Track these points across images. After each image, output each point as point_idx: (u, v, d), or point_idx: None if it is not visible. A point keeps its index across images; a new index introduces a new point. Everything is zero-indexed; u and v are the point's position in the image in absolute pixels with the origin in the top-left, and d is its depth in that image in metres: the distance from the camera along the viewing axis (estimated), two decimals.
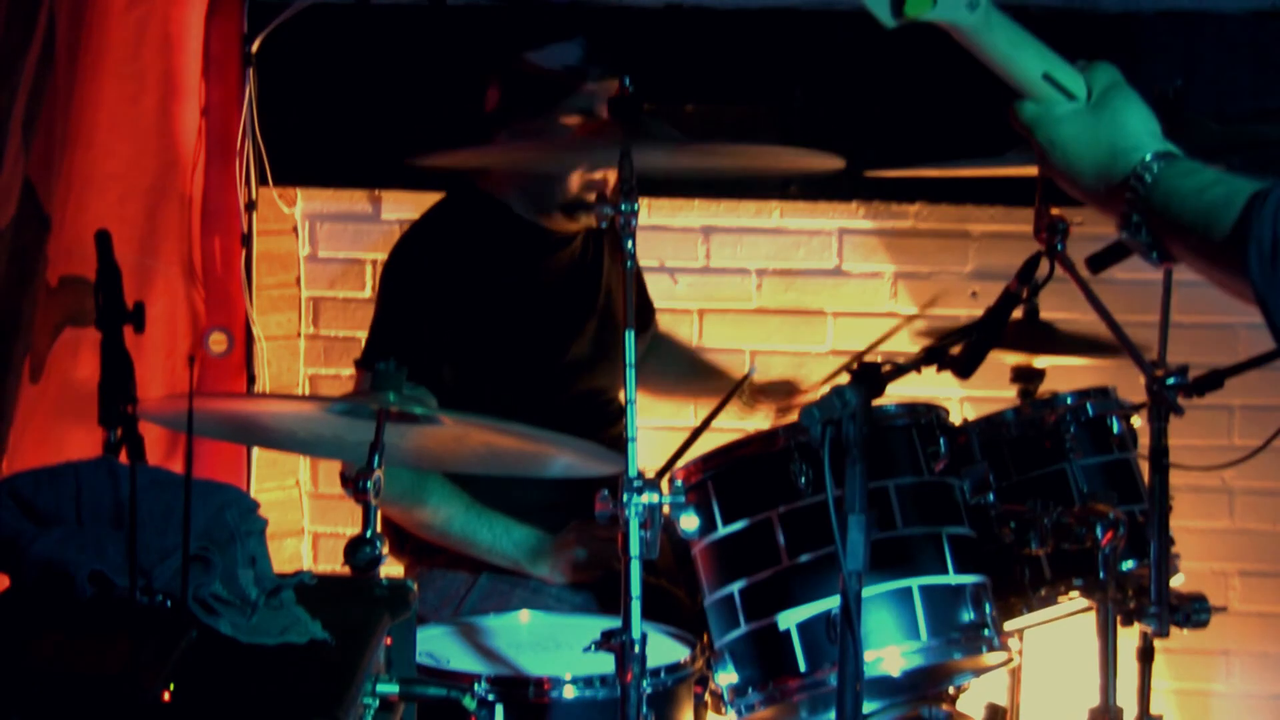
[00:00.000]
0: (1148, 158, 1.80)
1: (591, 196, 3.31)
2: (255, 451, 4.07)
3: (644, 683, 2.41)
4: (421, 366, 3.17)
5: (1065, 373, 3.42)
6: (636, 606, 2.39)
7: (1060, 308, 3.24)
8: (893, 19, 1.83)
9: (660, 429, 4.00)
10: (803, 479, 2.73)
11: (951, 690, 2.94)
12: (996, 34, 1.85)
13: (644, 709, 2.42)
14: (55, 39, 3.05)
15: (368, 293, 4.20)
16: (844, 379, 2.48)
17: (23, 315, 3.05)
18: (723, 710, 2.79)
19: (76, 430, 3.09)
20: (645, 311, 3.80)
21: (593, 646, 2.43)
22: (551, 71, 3.34)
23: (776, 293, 4.19)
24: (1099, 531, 2.74)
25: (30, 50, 2.93)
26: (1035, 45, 1.88)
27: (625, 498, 2.39)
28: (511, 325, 3.36)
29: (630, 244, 2.52)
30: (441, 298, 3.29)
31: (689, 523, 2.45)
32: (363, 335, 3.43)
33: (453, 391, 3.20)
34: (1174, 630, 2.75)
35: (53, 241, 3.12)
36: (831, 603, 2.62)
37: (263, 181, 4.04)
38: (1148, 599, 2.74)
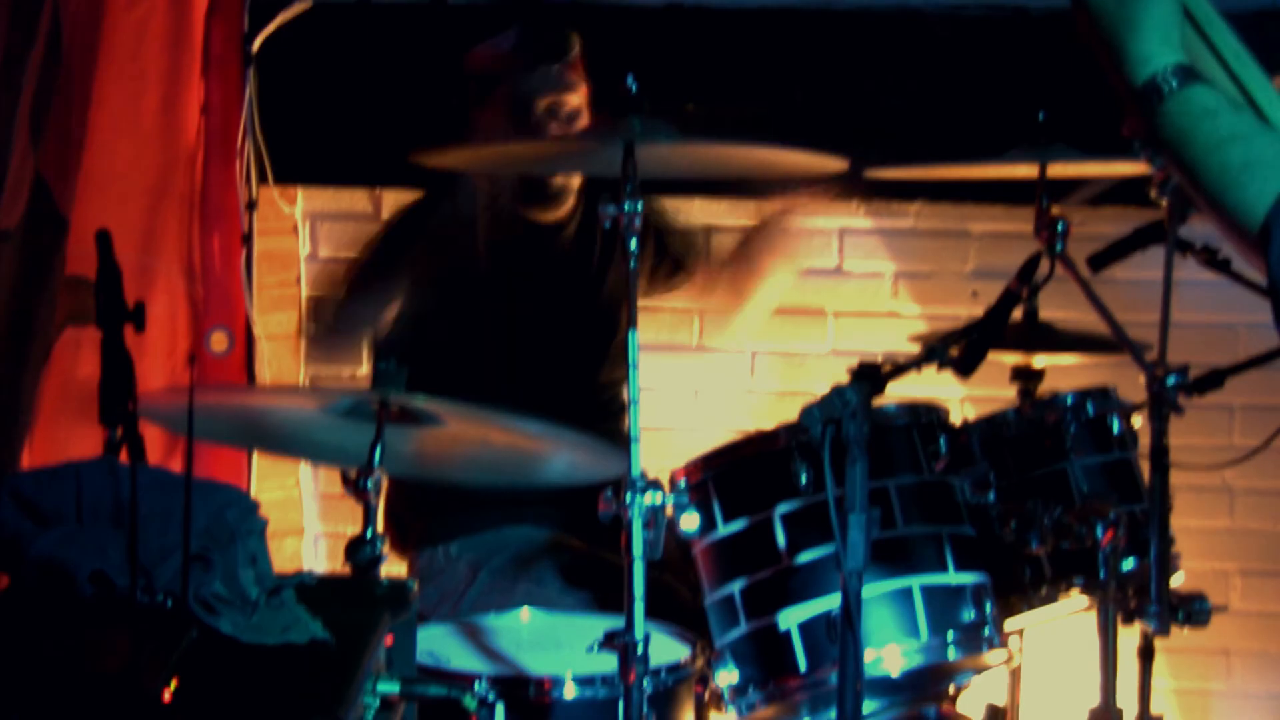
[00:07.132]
0: (1164, 71, 1.62)
1: (566, 182, 3.35)
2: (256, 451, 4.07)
3: (645, 682, 2.41)
4: (389, 293, 3.35)
5: (1065, 373, 3.42)
6: (640, 607, 2.39)
7: (1060, 307, 3.24)
8: None
9: (661, 429, 4.00)
10: (803, 478, 2.73)
11: (951, 690, 2.94)
12: None
13: (645, 709, 2.42)
14: (62, 39, 3.05)
15: None
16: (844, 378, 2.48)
17: (39, 314, 3.04)
18: (723, 709, 2.79)
19: (78, 429, 3.09)
20: (686, 251, 3.75)
21: (595, 647, 2.43)
22: (484, 63, 3.37)
23: None
24: (1099, 531, 2.74)
25: (34, 49, 2.93)
26: None
27: (628, 498, 2.39)
28: (496, 312, 3.38)
29: (633, 244, 2.52)
30: (424, 261, 3.35)
31: (689, 522, 2.45)
32: None
33: (447, 384, 3.20)
34: (1174, 629, 2.75)
35: (70, 242, 3.12)
36: (832, 602, 2.62)
37: (263, 180, 4.04)
38: (1148, 598, 2.74)
